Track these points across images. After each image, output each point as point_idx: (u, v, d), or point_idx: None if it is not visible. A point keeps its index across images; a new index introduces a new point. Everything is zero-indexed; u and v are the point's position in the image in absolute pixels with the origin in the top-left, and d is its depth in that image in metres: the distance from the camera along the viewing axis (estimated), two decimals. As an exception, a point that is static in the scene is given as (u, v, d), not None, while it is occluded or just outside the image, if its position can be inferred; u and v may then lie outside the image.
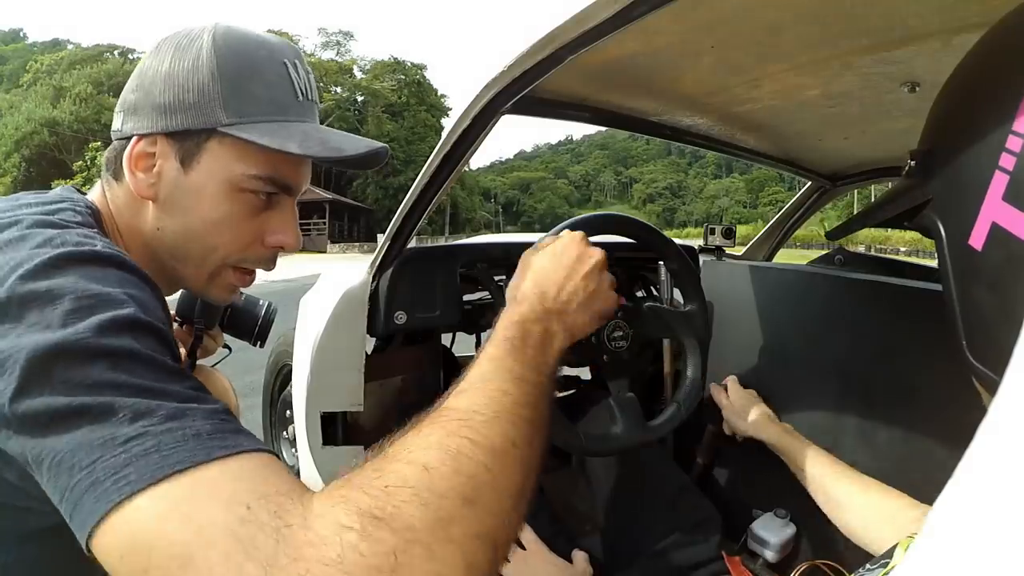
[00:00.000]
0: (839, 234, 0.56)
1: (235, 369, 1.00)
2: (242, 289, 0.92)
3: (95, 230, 0.45)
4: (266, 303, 0.94)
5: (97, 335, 0.34)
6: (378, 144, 0.55)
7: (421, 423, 0.37)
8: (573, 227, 0.79)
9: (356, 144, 0.53)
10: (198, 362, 0.93)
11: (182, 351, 0.89)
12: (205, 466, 0.30)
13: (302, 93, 0.54)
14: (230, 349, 1.02)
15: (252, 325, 0.92)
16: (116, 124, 0.53)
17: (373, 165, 0.57)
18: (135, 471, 0.29)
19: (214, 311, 0.89)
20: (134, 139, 0.50)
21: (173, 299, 0.86)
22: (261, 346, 0.96)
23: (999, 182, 0.29)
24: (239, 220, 0.52)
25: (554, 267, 0.56)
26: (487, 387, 0.40)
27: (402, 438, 0.36)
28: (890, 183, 1.53)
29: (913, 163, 0.37)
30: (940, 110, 0.37)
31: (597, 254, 0.59)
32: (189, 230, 0.52)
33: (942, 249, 0.34)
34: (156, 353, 0.36)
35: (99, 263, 0.39)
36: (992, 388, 0.19)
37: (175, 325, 0.89)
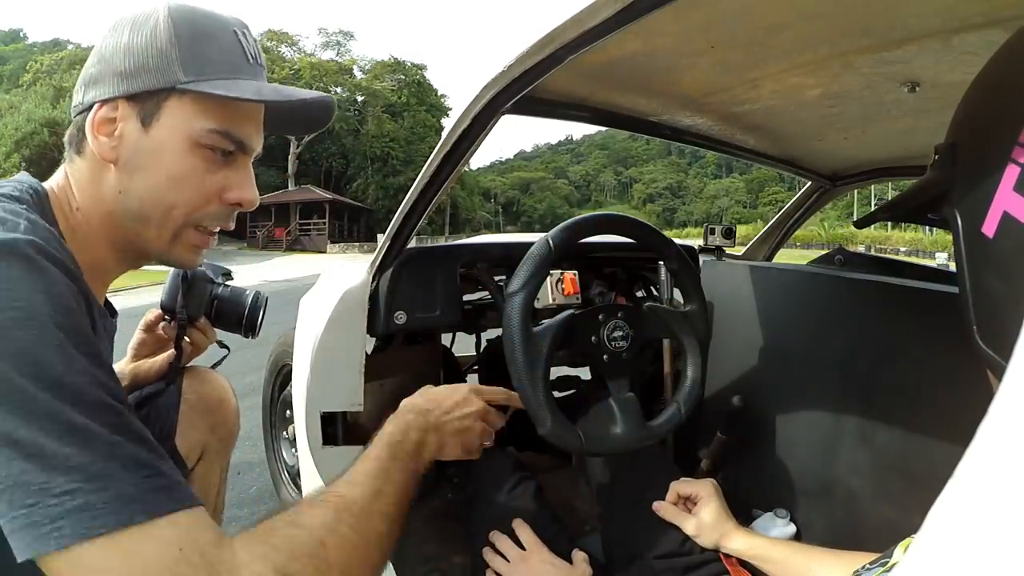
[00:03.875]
0: (866, 223, 0.61)
1: (234, 369, 1.00)
2: (228, 284, 0.92)
3: (24, 206, 0.47)
4: (253, 292, 0.93)
5: (28, 360, 0.37)
6: (324, 93, 0.60)
7: (319, 496, 0.49)
8: (573, 227, 0.79)
9: (305, 93, 0.58)
10: (193, 363, 0.93)
11: (158, 358, 0.88)
12: (129, 528, 0.36)
13: (252, 57, 0.58)
14: (228, 349, 1.01)
15: (240, 315, 0.91)
16: (76, 99, 0.56)
17: (324, 115, 0.63)
18: (69, 526, 0.35)
19: (197, 300, 0.87)
20: (96, 106, 0.53)
21: (155, 294, 0.86)
22: (253, 337, 0.94)
23: (1011, 174, 0.31)
24: (198, 175, 0.55)
25: (444, 397, 0.68)
26: (370, 486, 0.51)
27: (306, 505, 0.47)
28: (890, 183, 1.54)
29: (937, 157, 0.38)
30: (965, 106, 0.39)
31: (479, 404, 0.70)
32: (150, 188, 0.54)
33: (958, 238, 0.36)
34: (83, 379, 0.38)
35: (17, 258, 0.40)
36: (1001, 374, 0.20)
37: (162, 323, 0.88)
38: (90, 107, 0.54)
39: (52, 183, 0.56)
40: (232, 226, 0.62)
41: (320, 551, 0.43)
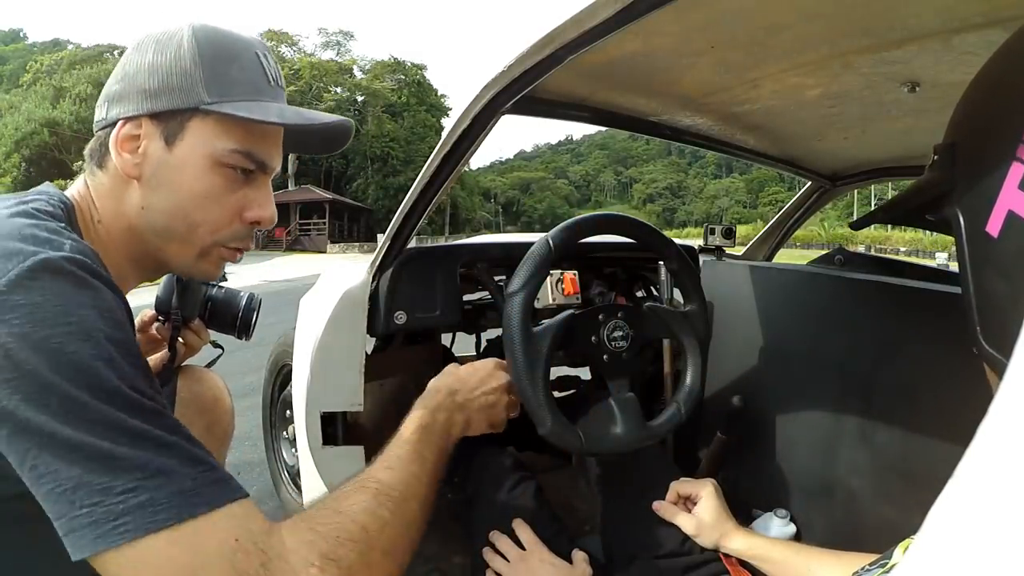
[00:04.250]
0: (862, 225, 0.60)
1: (234, 369, 1.00)
2: (223, 285, 0.93)
3: (63, 224, 0.47)
4: (247, 294, 0.93)
5: (86, 372, 0.38)
6: (344, 118, 0.61)
7: (358, 482, 0.50)
8: (573, 227, 0.80)
9: (325, 117, 0.59)
10: (188, 362, 0.93)
11: (152, 359, 0.89)
12: (191, 520, 0.37)
13: (273, 80, 0.59)
14: (223, 349, 1.01)
15: (233, 316, 0.91)
16: (99, 115, 0.56)
17: (342, 138, 0.64)
18: (133, 521, 0.36)
19: (191, 302, 0.87)
20: (120, 123, 0.54)
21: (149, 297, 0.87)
22: (247, 339, 0.94)
23: (1016, 172, 0.30)
24: (220, 194, 0.56)
25: (469, 375, 0.71)
26: (405, 470, 0.54)
27: (347, 492, 0.49)
28: (890, 183, 1.54)
29: (937, 158, 0.38)
30: (964, 105, 0.38)
31: (503, 378, 0.73)
32: (173, 205, 0.55)
33: (960, 238, 0.35)
34: (134, 389, 0.40)
35: (67, 276, 0.41)
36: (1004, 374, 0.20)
37: (156, 324, 0.89)
38: (114, 123, 0.54)
39: (75, 194, 0.57)
40: (252, 246, 0.63)
41: (362, 535, 0.45)
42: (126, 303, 0.46)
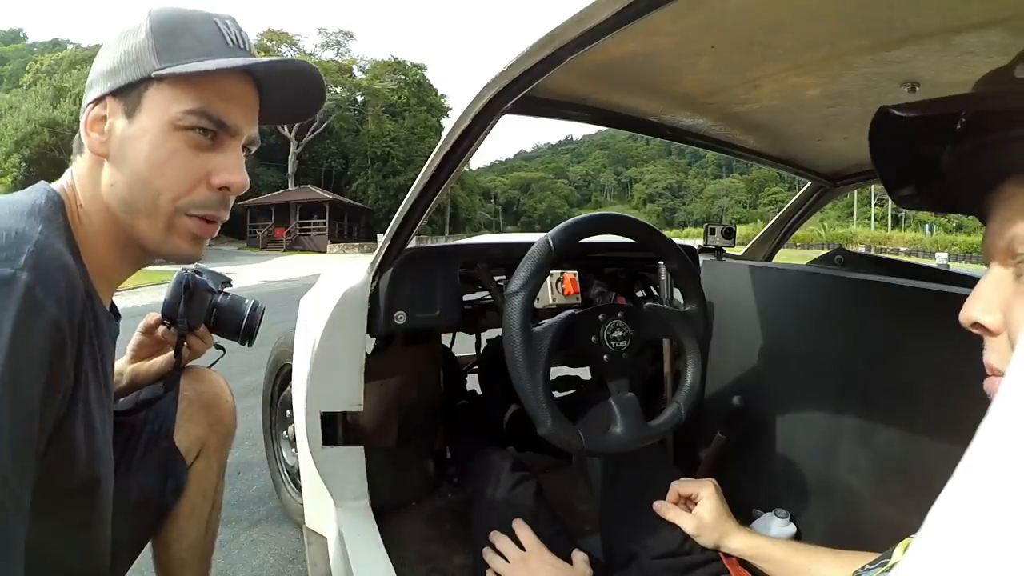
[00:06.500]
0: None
1: (234, 369, 1.00)
2: (227, 291, 0.94)
3: (44, 222, 0.48)
4: (252, 302, 0.95)
5: None
6: (300, 60, 0.59)
7: None
8: (573, 227, 0.79)
9: (277, 59, 0.58)
10: (192, 363, 0.94)
11: (157, 360, 0.89)
12: None
13: (233, 42, 0.58)
14: (224, 350, 1.02)
15: (237, 324, 0.93)
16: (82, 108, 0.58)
17: (314, 88, 0.62)
18: None
19: (197, 309, 0.90)
20: (89, 107, 0.56)
21: (158, 299, 0.87)
22: (249, 345, 0.96)
23: None
24: (181, 158, 0.55)
25: None
26: None
27: None
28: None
29: None
30: None
31: None
32: (136, 176, 0.55)
33: None
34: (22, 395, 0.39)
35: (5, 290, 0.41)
36: None
37: (161, 328, 0.90)
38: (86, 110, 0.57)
39: (63, 184, 0.58)
40: (227, 216, 0.61)
41: None
42: (82, 307, 0.45)
